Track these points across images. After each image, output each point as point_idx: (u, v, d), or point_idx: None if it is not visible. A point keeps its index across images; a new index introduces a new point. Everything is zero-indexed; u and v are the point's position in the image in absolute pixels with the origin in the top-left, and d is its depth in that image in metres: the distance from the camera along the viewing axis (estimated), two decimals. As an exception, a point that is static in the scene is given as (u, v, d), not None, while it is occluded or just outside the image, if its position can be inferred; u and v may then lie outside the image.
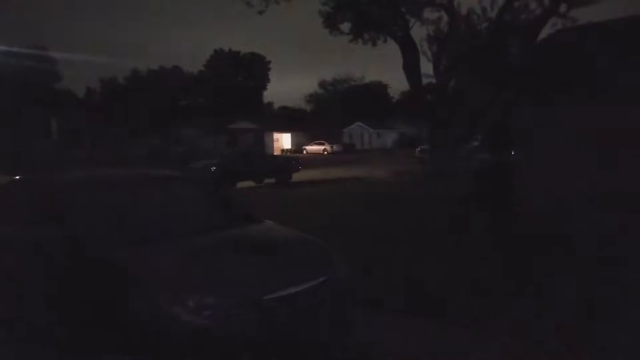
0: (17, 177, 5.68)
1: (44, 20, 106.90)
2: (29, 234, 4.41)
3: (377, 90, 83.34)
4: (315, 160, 41.34)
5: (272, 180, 22.27)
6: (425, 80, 23.89)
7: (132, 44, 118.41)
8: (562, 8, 20.16)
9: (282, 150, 61.33)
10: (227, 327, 3.44)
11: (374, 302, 5.52)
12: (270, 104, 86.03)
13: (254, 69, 77.32)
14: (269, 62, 79.43)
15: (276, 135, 62.62)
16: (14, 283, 4.77)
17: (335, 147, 59.99)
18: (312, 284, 3.89)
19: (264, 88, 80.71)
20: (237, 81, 76.56)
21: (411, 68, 22.58)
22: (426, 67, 41.88)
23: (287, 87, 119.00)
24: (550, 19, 20.07)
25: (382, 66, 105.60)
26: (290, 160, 26.45)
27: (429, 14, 23.33)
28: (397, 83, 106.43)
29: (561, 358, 4.30)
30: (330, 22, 23.92)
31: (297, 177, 23.18)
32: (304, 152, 58.80)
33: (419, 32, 79.16)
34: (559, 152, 10.42)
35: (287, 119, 71.95)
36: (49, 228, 4.32)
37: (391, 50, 25.57)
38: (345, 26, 24.07)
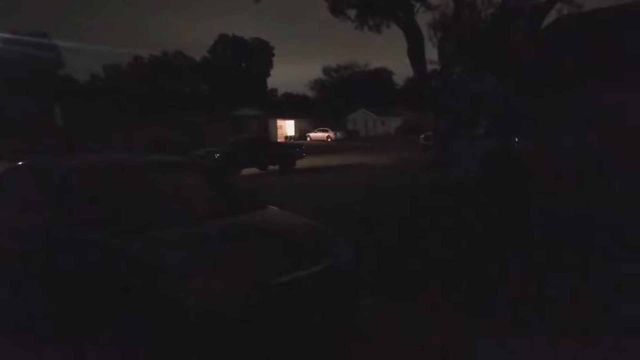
0: (20, 163, 5.64)
1: (46, 7, 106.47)
2: (31, 220, 4.40)
3: (382, 76, 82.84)
4: (319, 147, 41.22)
5: (276, 167, 22.31)
6: (430, 67, 23.75)
7: (135, 31, 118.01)
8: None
9: (286, 137, 61.16)
10: (232, 311, 3.44)
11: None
12: (273, 90, 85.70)
13: (258, 56, 76.88)
14: (273, 48, 79.01)
15: (280, 122, 62.46)
16: (16, 271, 4.76)
17: (338, 134, 59.58)
18: (317, 269, 3.90)
19: (268, 74, 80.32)
20: (240, 67, 76.21)
21: (416, 54, 22.41)
22: (431, 53, 41.56)
23: (290, 73, 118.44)
24: (556, 4, 19.90)
25: (387, 53, 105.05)
26: (294, 147, 26.40)
27: (433, -1, 23.12)
28: (402, 70, 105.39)
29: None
30: (336, 8, 23.69)
31: (300, 164, 23.19)
32: (308, 139, 58.61)
33: (424, 18, 78.77)
34: (562, 142, 10.24)
35: (290, 106, 71.67)
36: (50, 213, 4.32)
37: (396, 36, 25.32)
38: (351, 13, 23.87)
